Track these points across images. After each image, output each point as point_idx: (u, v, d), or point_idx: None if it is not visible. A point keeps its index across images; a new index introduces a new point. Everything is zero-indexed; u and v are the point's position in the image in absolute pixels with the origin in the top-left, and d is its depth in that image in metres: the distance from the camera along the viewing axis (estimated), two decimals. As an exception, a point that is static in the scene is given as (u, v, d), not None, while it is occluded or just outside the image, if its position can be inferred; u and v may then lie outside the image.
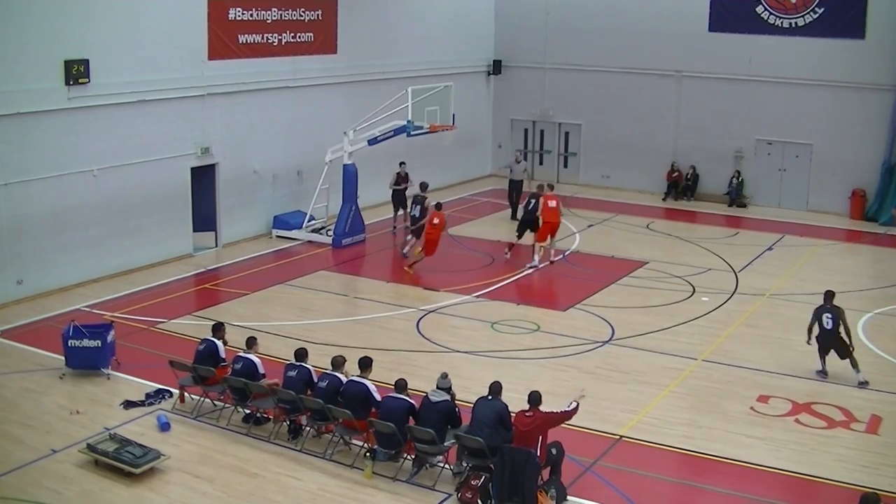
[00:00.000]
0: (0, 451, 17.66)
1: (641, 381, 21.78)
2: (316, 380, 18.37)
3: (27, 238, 26.03)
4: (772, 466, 17.81)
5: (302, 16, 34.34)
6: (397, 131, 32.64)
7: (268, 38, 33.02)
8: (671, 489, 17.29)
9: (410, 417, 17.10)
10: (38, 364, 21.91)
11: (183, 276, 29.25)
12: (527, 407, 16.34)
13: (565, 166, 45.71)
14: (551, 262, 31.32)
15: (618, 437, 18.90)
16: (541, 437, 16.05)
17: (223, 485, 16.70)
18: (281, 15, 33.41)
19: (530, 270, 30.79)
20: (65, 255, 27.03)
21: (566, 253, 32.19)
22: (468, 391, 18.53)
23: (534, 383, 19.22)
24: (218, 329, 20.16)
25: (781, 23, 40.07)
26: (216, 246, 32.10)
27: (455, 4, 43.15)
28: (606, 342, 24.31)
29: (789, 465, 17.84)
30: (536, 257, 31.14)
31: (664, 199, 42.25)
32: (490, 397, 16.80)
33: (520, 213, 33.66)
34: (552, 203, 31.34)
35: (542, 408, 16.31)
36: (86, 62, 26.66)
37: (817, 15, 39.38)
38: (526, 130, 46.63)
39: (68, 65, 26.27)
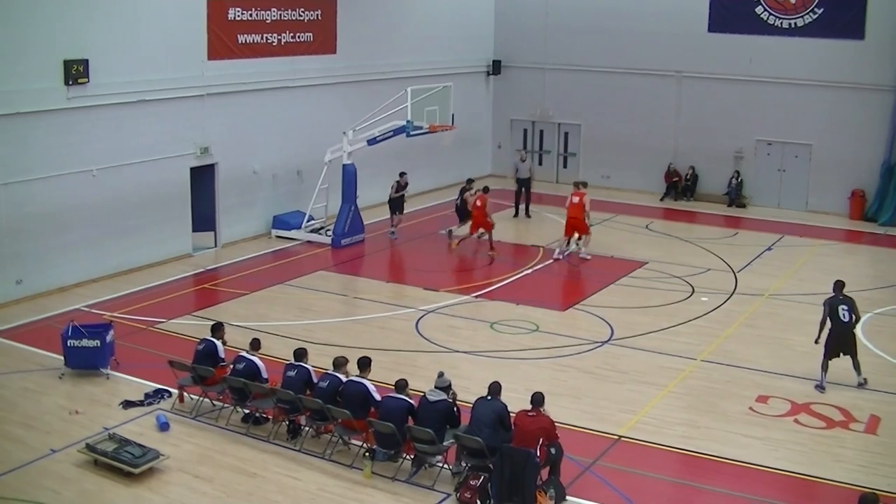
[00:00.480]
0: (0, 451, 17.66)
1: (640, 381, 21.78)
2: (315, 380, 18.38)
3: (27, 238, 26.03)
4: (770, 466, 17.81)
5: (301, 16, 34.35)
6: (397, 131, 32.66)
7: (267, 39, 33.02)
8: (670, 489, 17.30)
9: (409, 417, 17.11)
10: (38, 364, 21.91)
11: (182, 276, 29.25)
12: (529, 407, 16.38)
13: (565, 167, 45.68)
14: (556, 260, 31.75)
15: (617, 437, 18.90)
16: (541, 438, 16.08)
17: (222, 485, 16.70)
18: (280, 15, 33.42)
19: (551, 261, 31.50)
20: (64, 254, 27.02)
21: (566, 253, 32.15)
22: (467, 391, 18.53)
23: (533, 383, 19.27)
24: (217, 329, 20.16)
25: (781, 23, 40.08)
26: (215, 246, 32.10)
27: (455, 4, 43.15)
28: (606, 342, 24.31)
29: (788, 465, 17.85)
30: (557, 250, 31.90)
31: (662, 200, 42.26)
32: (489, 397, 16.81)
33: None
34: (575, 199, 31.73)
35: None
36: (85, 62, 26.67)
37: (816, 15, 39.40)
38: (525, 130, 46.64)
39: (68, 65, 26.28)
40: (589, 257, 31.90)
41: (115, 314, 25.14)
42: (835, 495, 16.79)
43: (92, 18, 27.04)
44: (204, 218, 31.68)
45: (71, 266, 27.25)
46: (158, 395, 20.20)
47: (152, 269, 29.28)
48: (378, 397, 17.60)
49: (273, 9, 33.07)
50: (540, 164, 45.81)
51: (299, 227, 33.69)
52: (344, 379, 18.06)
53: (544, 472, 16.25)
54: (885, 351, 23.61)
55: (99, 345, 20.99)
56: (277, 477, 17.04)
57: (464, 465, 16.78)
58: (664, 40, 42.09)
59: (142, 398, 20.02)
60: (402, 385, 17.46)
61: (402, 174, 34.59)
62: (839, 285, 21.84)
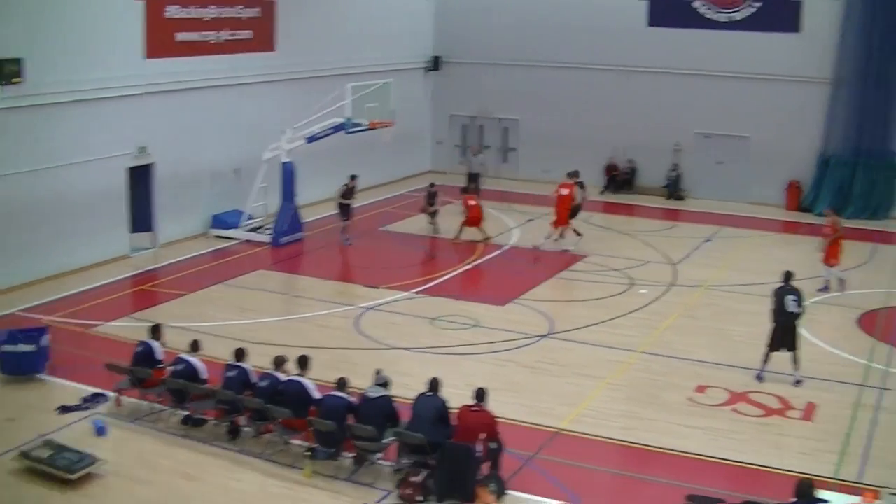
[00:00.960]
0: (-68, 460, 17.43)
1: (580, 374, 21.89)
2: (255, 380, 18.30)
3: (-41, 242, 25.70)
4: (711, 456, 18.00)
5: (240, 13, 34.17)
6: (336, 129, 32.60)
7: (206, 36, 32.80)
8: (612, 481, 17.42)
9: (350, 415, 17.07)
10: (-28, 371, 21.59)
11: (120, 277, 28.90)
12: (472, 402, 16.42)
13: (504, 161, 45.74)
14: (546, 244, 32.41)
15: (557, 430, 18.98)
16: (482, 433, 16.12)
17: (162, 488, 16.55)
18: (219, 13, 33.21)
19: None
20: (-1, 258, 26.71)
21: (504, 248, 32.31)
22: (408, 388, 18.49)
23: (473, 379, 19.24)
24: (155, 331, 20.02)
25: (719, 17, 40.47)
26: (154, 246, 31.77)
27: (394, 1, 43.07)
28: (545, 336, 24.41)
29: (728, 454, 18.04)
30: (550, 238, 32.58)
31: (602, 193, 42.45)
32: (430, 393, 16.84)
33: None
34: (564, 191, 32.28)
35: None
36: (19, 61, 26.27)
37: (754, 9, 39.86)
38: (465, 126, 46.66)
39: (1, 64, 25.87)
40: (571, 248, 32.34)
41: (51, 318, 24.79)
42: (774, 482, 16.88)
43: (26, 16, 26.63)
44: (142, 218, 31.37)
45: (5, 270, 26.78)
46: (95, 399, 19.91)
47: (90, 272, 28.90)
48: (318, 396, 17.56)
49: (212, 6, 32.84)
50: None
51: (238, 227, 33.50)
52: (284, 378, 18.00)
53: (485, 467, 16.29)
54: (821, 339, 23.89)
55: (35, 349, 20.75)
56: (218, 479, 16.93)
57: (405, 461, 16.76)
58: (604, 35, 42.26)
59: (78, 402, 19.72)
60: (342, 383, 17.45)
61: (352, 177, 33.75)
62: (788, 275, 22.00)
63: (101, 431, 18.41)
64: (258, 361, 19.45)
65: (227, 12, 33.60)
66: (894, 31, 37.87)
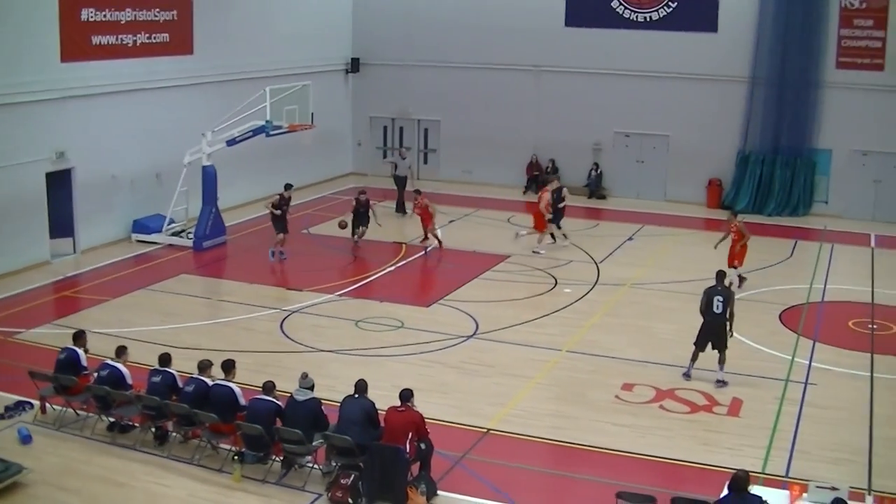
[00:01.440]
0: None
1: (507, 374, 21.98)
2: (182, 385, 18.15)
3: None
4: (638, 452, 18.18)
5: (157, 16, 33.82)
6: (256, 131, 32.43)
7: (122, 40, 32.42)
8: (541, 479, 17.47)
9: (277, 419, 17.00)
10: None
11: (41, 284, 28.48)
12: (398, 403, 16.42)
13: (425, 162, 45.83)
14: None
15: (486, 430, 19.04)
16: (410, 434, 16.12)
17: (89, 496, 16.36)
18: (135, 16, 32.83)
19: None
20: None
21: (428, 249, 32.36)
22: (334, 390, 18.51)
23: (400, 380, 19.24)
24: (79, 337, 19.79)
25: (636, 17, 40.90)
26: (74, 252, 31.34)
27: (312, 3, 42.92)
28: (471, 336, 24.47)
29: (655, 451, 18.22)
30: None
31: (524, 193, 42.63)
32: (357, 395, 16.82)
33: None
34: (545, 196, 32.63)
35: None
36: (-70, 66, 25.88)
37: (671, 9, 40.29)
38: (385, 128, 46.65)
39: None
40: (542, 252, 32.40)
41: (-29, 326, 24.49)
42: (701, 478, 17.12)
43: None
44: (62, 224, 30.94)
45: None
46: (19, 407, 19.63)
47: (9, 278, 28.41)
48: (244, 401, 17.48)
49: (127, 9, 32.45)
50: (402, 159, 45.67)
51: (160, 231, 33.18)
52: (210, 382, 17.87)
53: (415, 468, 16.31)
54: (745, 335, 24.09)
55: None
56: (146, 485, 16.76)
57: (334, 464, 16.75)
58: (522, 35, 42.48)
59: (2, 411, 19.43)
60: (269, 386, 17.37)
61: (287, 187, 32.23)
62: (720, 276, 22.03)
63: (26, 440, 18.15)
64: (183, 366, 19.33)
65: (144, 15, 33.20)
66: (809, 28, 38.48)
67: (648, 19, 40.72)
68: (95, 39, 31.40)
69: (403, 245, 32.99)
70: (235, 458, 17.18)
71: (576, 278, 29.45)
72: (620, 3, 40.97)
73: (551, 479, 17.54)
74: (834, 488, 14.12)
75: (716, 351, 21.44)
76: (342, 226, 31.33)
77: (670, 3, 40.20)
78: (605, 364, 22.63)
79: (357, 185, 40.18)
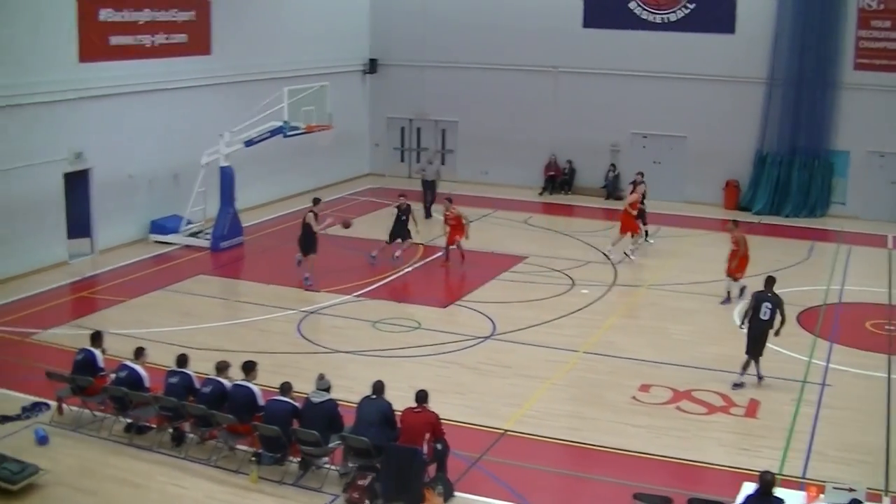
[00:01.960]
0: None
1: (524, 375, 21.96)
2: (199, 385, 18.17)
3: None
4: (655, 454, 18.14)
5: (175, 17, 33.89)
6: (274, 132, 32.44)
7: (140, 40, 32.51)
8: (557, 481, 17.44)
9: (294, 420, 17.00)
10: None
11: (59, 284, 28.55)
12: (414, 405, 16.41)
13: (443, 163, 45.68)
14: None
15: (503, 431, 19.02)
16: (427, 435, 16.12)
17: (106, 497, 16.40)
18: (154, 16, 32.91)
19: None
20: (-66, 266, 26.29)
21: (445, 250, 32.33)
22: (351, 391, 18.46)
23: (417, 381, 19.21)
24: (96, 338, 19.79)
25: (654, 18, 40.85)
26: (92, 252, 31.44)
27: (330, 3, 42.95)
28: (488, 337, 24.45)
29: (672, 452, 18.18)
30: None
31: (541, 194, 42.61)
32: (374, 396, 16.81)
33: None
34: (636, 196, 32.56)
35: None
36: (-50, 66, 25.96)
37: (689, 10, 40.23)
38: (403, 129, 46.66)
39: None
40: (633, 258, 32.09)
41: (-11, 326, 24.55)
42: (718, 479, 17.08)
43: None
44: (80, 224, 31.03)
45: (-58, 277, 26.53)
46: (36, 408, 19.65)
47: (27, 279, 28.51)
48: (262, 401, 17.49)
49: (146, 9, 32.54)
50: (417, 161, 45.77)
51: (177, 232, 33.24)
52: (228, 383, 17.89)
53: (432, 469, 16.31)
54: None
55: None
56: (163, 486, 16.78)
57: (351, 465, 16.75)
58: (540, 36, 42.44)
59: (19, 412, 19.44)
60: (286, 387, 17.36)
61: (315, 201, 29.67)
62: (769, 282, 21.63)
63: (42, 441, 18.18)
64: (200, 367, 19.36)
65: (162, 16, 33.29)
66: (827, 29, 38.33)
67: (666, 20, 40.66)
68: (114, 40, 31.48)
69: (421, 246, 32.93)
70: (252, 459, 17.19)
71: (593, 279, 29.41)
72: (638, 5, 40.93)
73: (568, 481, 17.52)
74: (851, 489, 14.10)
75: (746, 356, 21.26)
76: (346, 225, 31.13)
77: (688, 5, 40.15)
78: (622, 365, 22.59)
79: (373, 187, 40.21)
